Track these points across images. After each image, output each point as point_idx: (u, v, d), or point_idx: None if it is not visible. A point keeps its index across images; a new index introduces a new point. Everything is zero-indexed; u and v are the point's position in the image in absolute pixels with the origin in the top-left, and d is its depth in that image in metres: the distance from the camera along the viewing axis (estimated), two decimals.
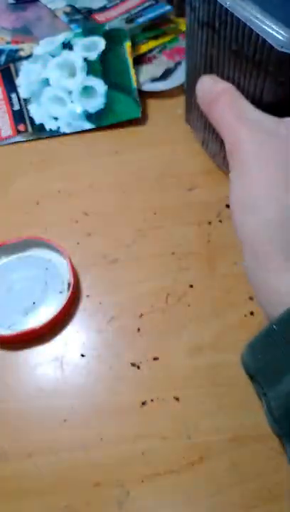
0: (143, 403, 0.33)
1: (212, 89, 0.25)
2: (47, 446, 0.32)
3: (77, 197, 0.45)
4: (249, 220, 0.21)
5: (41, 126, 0.50)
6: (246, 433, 0.32)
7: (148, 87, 0.52)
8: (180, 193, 0.45)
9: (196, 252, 0.40)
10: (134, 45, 0.53)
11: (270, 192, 0.20)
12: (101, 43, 0.51)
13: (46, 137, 0.50)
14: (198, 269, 0.39)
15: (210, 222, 0.42)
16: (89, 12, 0.57)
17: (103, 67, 0.50)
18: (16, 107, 0.51)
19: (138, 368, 0.35)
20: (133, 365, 0.35)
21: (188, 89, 0.41)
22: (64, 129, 0.50)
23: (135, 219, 0.43)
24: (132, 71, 0.50)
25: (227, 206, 0.43)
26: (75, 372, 0.35)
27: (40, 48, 0.52)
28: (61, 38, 0.52)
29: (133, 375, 0.34)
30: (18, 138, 0.50)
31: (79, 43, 0.51)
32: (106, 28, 0.51)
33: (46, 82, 0.51)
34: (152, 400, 0.33)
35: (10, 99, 0.51)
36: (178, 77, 0.53)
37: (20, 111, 0.51)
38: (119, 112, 0.50)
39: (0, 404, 0.33)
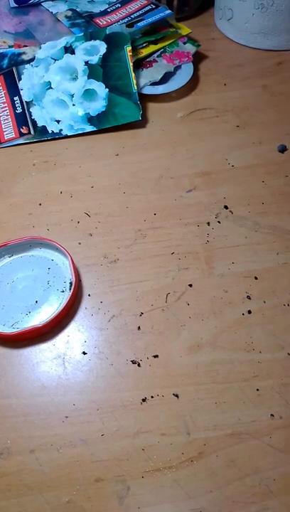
0: (144, 400, 0.34)
1: None
2: (49, 442, 0.32)
3: (78, 198, 0.45)
4: None
5: (43, 129, 0.51)
6: (244, 429, 0.32)
7: (148, 90, 0.53)
8: (180, 194, 0.45)
9: (195, 252, 0.41)
10: (135, 49, 0.53)
11: None
12: (102, 47, 0.52)
13: (48, 139, 0.51)
14: (197, 268, 0.40)
15: (208, 223, 0.43)
16: (91, 16, 0.58)
17: (104, 70, 0.51)
18: (19, 110, 0.52)
19: (139, 365, 0.35)
20: (133, 362, 0.35)
21: None
22: (66, 132, 0.51)
23: (135, 220, 0.43)
24: (133, 74, 0.51)
25: (226, 207, 0.44)
26: (77, 370, 0.35)
27: (42, 52, 0.53)
28: (63, 41, 0.53)
29: (133, 372, 0.35)
30: (21, 140, 0.50)
31: (81, 47, 0.52)
32: (107, 32, 0.52)
33: (48, 86, 0.52)
34: (152, 397, 0.34)
35: (13, 102, 0.52)
36: (178, 81, 0.54)
37: (23, 113, 0.52)
38: (120, 115, 0.50)
39: (3, 401, 0.34)
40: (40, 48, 0.53)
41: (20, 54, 0.53)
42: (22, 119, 0.51)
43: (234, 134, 0.50)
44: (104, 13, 0.58)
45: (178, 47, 0.55)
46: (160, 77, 0.53)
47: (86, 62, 0.51)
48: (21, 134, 0.51)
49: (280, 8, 0.54)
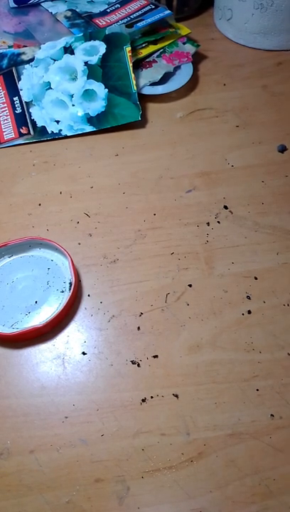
0: (143, 400, 0.34)
1: None
2: (49, 442, 0.32)
3: (78, 198, 0.45)
4: None
5: (43, 129, 0.51)
6: (244, 429, 0.32)
7: (147, 90, 0.53)
8: (179, 194, 0.45)
9: (195, 252, 0.41)
10: (134, 50, 0.54)
11: None
12: (101, 47, 0.52)
13: (48, 140, 0.51)
14: (197, 269, 0.40)
15: (208, 223, 0.43)
16: (90, 16, 0.58)
17: (103, 71, 0.51)
18: (18, 110, 0.52)
19: (138, 365, 0.35)
20: (133, 362, 0.35)
21: None
22: (65, 132, 0.51)
23: (135, 220, 0.43)
24: (132, 75, 0.51)
25: (225, 207, 0.44)
26: (77, 370, 0.35)
27: (42, 52, 0.53)
28: (62, 42, 0.53)
29: (133, 372, 0.35)
30: (21, 140, 0.50)
31: (80, 47, 0.52)
32: (107, 32, 0.52)
33: (48, 86, 0.52)
34: (152, 397, 0.34)
35: (12, 102, 0.52)
36: (178, 81, 0.54)
37: (23, 114, 0.52)
38: (120, 115, 0.50)
39: (3, 401, 0.34)
40: (40, 48, 0.53)
41: (19, 54, 0.53)
42: (21, 119, 0.51)
43: (234, 134, 0.50)
44: (104, 13, 0.58)
45: (178, 47, 0.55)
46: (159, 78, 0.53)
47: (85, 63, 0.51)
48: (21, 135, 0.51)
49: (280, 8, 0.54)
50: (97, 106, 0.50)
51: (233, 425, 0.32)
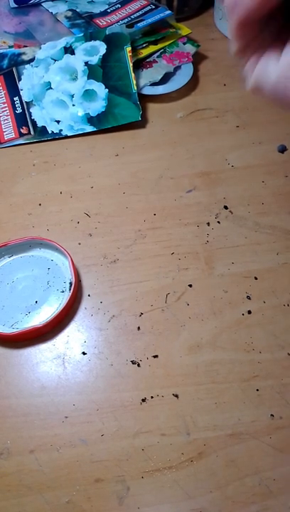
0: (143, 400, 0.34)
1: None
2: (49, 442, 0.32)
3: (78, 198, 0.46)
4: None
5: (43, 129, 0.51)
6: (244, 429, 0.32)
7: (148, 90, 0.53)
8: (180, 194, 0.45)
9: (195, 253, 0.41)
10: (134, 50, 0.54)
11: None
12: (102, 48, 0.52)
13: (48, 140, 0.51)
14: (197, 269, 0.40)
15: (208, 223, 0.43)
16: (91, 17, 0.58)
17: (104, 71, 0.51)
18: (19, 110, 0.52)
19: (138, 365, 0.35)
20: (133, 362, 0.35)
21: None
22: (66, 132, 0.51)
23: (135, 220, 0.43)
24: (132, 75, 0.51)
25: (225, 207, 0.44)
26: (77, 370, 0.35)
27: (42, 52, 0.53)
28: (63, 42, 0.53)
29: (133, 372, 0.35)
30: (21, 140, 0.50)
31: (81, 47, 0.52)
32: (107, 32, 0.52)
33: (48, 86, 0.52)
34: (152, 397, 0.34)
35: (13, 102, 0.52)
36: (178, 81, 0.54)
37: (23, 114, 0.52)
38: (120, 115, 0.50)
39: (3, 401, 0.34)
40: (40, 48, 0.53)
41: (20, 54, 0.53)
42: (22, 119, 0.51)
43: (234, 134, 0.50)
44: (104, 13, 0.58)
45: (178, 47, 0.55)
46: (160, 78, 0.53)
47: (86, 63, 0.51)
48: (21, 134, 0.51)
49: None
50: (98, 106, 0.50)
51: (233, 425, 0.32)
